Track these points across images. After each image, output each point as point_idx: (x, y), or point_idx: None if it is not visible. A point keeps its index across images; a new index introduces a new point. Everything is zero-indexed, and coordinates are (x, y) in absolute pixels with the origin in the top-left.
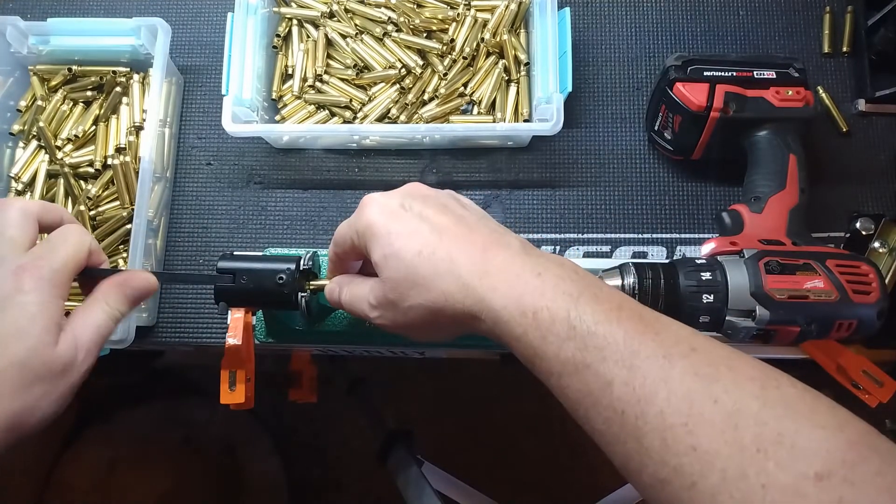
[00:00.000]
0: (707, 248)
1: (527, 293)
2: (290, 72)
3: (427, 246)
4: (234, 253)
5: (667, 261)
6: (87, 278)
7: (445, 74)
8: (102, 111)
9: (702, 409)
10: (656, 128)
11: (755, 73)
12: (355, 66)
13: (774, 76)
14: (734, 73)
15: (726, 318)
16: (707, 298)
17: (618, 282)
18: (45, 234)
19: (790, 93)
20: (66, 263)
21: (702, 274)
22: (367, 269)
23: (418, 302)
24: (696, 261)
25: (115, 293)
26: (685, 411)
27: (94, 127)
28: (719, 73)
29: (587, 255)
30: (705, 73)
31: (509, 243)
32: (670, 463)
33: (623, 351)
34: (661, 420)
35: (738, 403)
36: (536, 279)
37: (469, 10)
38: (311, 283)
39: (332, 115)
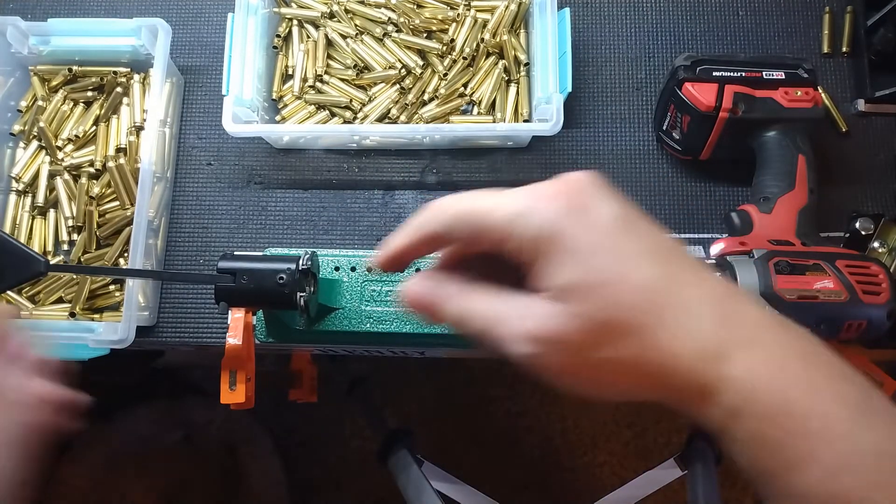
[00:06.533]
0: (716, 249)
1: (794, 387)
2: (290, 72)
3: (654, 281)
4: (235, 253)
5: None
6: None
7: (445, 75)
8: (103, 111)
9: None
10: (664, 128)
11: (764, 73)
12: (355, 66)
13: (783, 77)
14: (743, 74)
15: None
16: None
17: None
18: None
19: (799, 93)
20: None
21: None
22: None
23: (622, 357)
24: (706, 261)
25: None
26: None
27: (94, 127)
28: (728, 74)
29: None
30: (714, 74)
31: (742, 292)
32: None
33: None
34: None
35: None
36: (802, 367)
37: (469, 10)
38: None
39: (333, 115)
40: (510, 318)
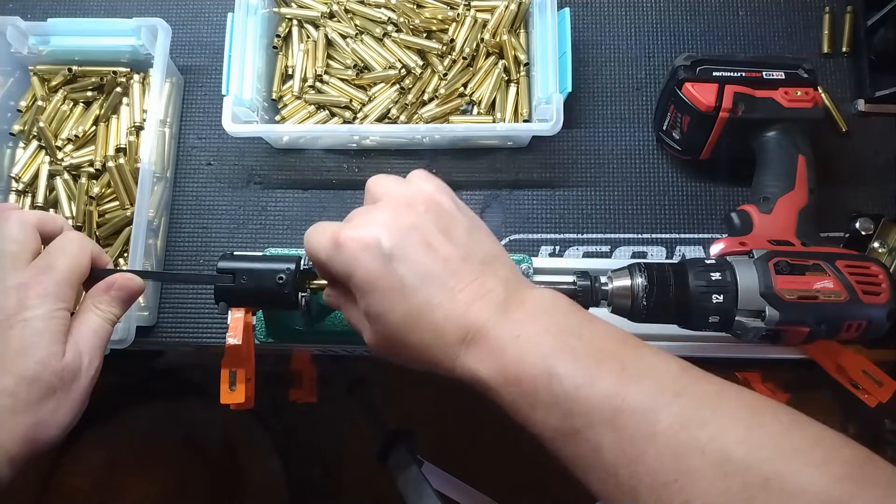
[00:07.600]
0: (716, 249)
1: (508, 362)
2: (290, 72)
3: (411, 313)
4: (234, 253)
5: (676, 261)
6: (91, 280)
7: (445, 74)
8: (103, 111)
9: (690, 463)
10: (665, 127)
11: (764, 73)
12: (355, 66)
13: (783, 77)
14: (743, 74)
15: (736, 318)
16: (717, 299)
17: (627, 282)
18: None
19: (799, 93)
20: (69, 275)
21: (711, 274)
22: None
23: (408, 357)
24: (706, 261)
25: (103, 298)
26: (674, 467)
27: (94, 127)
28: (728, 74)
29: (587, 255)
30: (714, 74)
31: (490, 291)
32: None
33: (606, 411)
34: (653, 478)
35: (724, 451)
36: (514, 344)
37: (469, 10)
38: (312, 282)
39: (332, 115)
40: (361, 327)
